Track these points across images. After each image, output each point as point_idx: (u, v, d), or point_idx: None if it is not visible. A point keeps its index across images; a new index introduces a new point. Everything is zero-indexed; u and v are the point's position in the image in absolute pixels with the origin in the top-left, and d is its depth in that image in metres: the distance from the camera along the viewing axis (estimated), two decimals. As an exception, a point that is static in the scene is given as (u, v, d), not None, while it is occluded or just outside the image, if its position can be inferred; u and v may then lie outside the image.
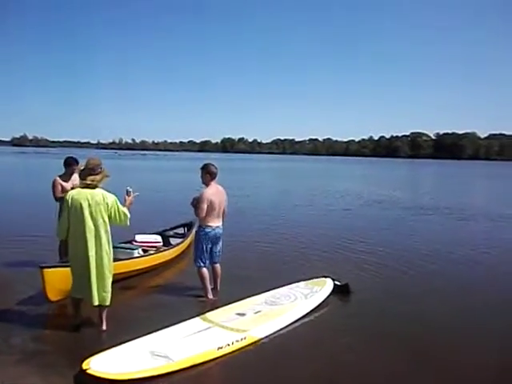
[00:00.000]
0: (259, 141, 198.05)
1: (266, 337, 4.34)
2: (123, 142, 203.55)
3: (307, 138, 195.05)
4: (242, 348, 4.10)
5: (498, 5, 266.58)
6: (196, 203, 5.34)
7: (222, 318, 4.58)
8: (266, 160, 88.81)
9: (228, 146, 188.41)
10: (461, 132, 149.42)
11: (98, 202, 4.28)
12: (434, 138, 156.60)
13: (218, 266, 5.69)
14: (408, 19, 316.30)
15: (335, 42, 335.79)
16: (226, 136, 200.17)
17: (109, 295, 4.40)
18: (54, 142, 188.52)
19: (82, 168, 4.46)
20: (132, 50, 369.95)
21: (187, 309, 5.00)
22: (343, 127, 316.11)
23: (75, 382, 3.46)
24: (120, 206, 4.44)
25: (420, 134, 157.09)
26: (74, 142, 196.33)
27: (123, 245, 6.49)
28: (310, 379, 3.71)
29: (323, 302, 5.29)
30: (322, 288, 5.54)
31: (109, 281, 4.41)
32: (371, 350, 4.24)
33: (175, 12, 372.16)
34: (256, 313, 4.75)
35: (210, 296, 5.44)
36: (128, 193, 4.83)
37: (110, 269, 4.44)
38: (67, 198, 4.35)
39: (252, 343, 4.19)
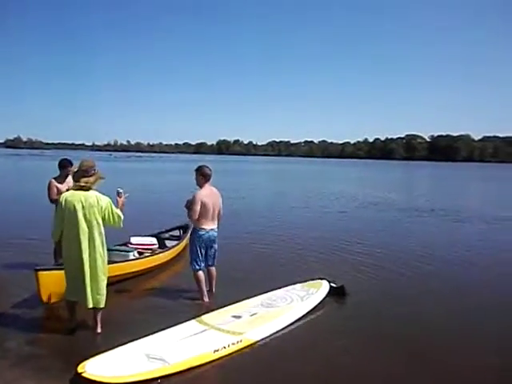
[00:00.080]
0: (255, 143, 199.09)
1: (262, 339, 4.32)
2: (118, 143, 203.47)
3: (302, 140, 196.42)
4: (238, 350, 4.08)
5: (498, 5, 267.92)
6: (189, 205, 5.33)
7: (217, 320, 4.56)
8: (261, 162, 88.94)
9: (223, 148, 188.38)
10: (455, 134, 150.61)
11: (91, 204, 4.26)
12: (428, 140, 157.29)
13: (213, 268, 5.67)
14: (408, 19, 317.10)
15: (334, 43, 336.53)
16: (222, 138, 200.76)
17: (103, 298, 4.38)
18: (48, 143, 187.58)
19: (76, 170, 4.44)
20: (132, 52, 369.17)
21: (183, 311, 4.98)
22: (338, 129, 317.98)
23: (70, 385, 3.43)
24: (114, 207, 4.42)
25: (415, 137, 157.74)
26: (68, 144, 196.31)
27: (118, 247, 6.47)
28: (306, 381, 3.71)
29: (319, 304, 5.29)
30: (318, 290, 5.54)
31: (103, 283, 4.39)
32: (367, 351, 4.23)
33: (175, 13, 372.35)
34: (252, 315, 4.74)
35: (206, 299, 5.42)
36: (119, 194, 4.81)
37: (105, 271, 4.42)
38: (61, 199, 4.32)
39: (248, 346, 4.18)
